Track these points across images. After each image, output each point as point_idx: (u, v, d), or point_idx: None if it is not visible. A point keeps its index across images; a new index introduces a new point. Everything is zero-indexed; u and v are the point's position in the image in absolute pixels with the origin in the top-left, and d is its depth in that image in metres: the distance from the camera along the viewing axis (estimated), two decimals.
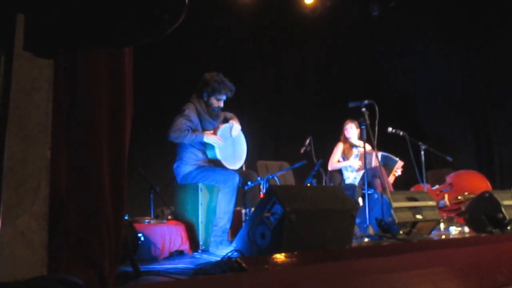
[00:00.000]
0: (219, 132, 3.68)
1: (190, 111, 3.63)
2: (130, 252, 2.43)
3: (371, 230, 3.75)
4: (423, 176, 5.13)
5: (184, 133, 3.53)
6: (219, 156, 3.64)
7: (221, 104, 3.78)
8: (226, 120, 3.88)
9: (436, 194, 5.25)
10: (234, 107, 4.09)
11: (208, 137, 3.61)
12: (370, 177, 4.84)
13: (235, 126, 3.83)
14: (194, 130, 3.60)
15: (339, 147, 5.32)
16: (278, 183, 4.48)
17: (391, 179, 5.09)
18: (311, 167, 4.53)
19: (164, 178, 4.36)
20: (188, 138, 3.55)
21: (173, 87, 5.30)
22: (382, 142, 4.34)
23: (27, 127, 1.55)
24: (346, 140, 5.27)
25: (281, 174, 4.71)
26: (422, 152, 5.21)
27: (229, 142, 3.79)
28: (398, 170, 5.12)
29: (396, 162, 5.11)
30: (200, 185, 3.49)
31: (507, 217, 3.89)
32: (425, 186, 5.17)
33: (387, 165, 5.15)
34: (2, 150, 1.11)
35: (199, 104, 3.72)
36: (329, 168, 5.31)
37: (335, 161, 5.28)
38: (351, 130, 5.25)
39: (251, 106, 6.48)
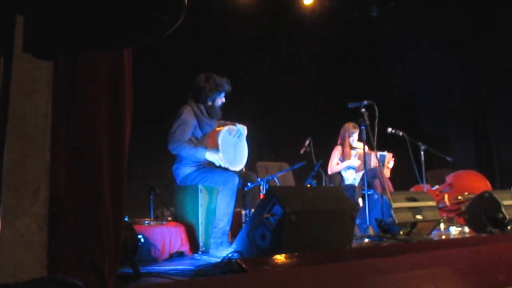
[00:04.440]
0: (220, 139, 3.59)
1: (188, 115, 3.59)
2: (130, 254, 2.42)
3: (371, 231, 3.75)
4: (422, 176, 5.13)
5: (183, 145, 3.50)
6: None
7: (223, 99, 3.79)
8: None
9: (436, 194, 5.24)
10: (234, 108, 4.08)
11: (210, 157, 3.54)
12: (370, 177, 4.84)
13: (239, 127, 3.80)
14: (196, 143, 3.57)
15: (338, 150, 5.31)
16: (278, 184, 4.47)
17: (386, 173, 5.06)
18: (310, 168, 4.52)
19: (163, 179, 4.35)
20: (186, 151, 3.52)
21: (172, 87, 5.28)
22: (381, 143, 4.34)
23: (27, 129, 1.55)
24: (345, 143, 5.26)
25: (281, 175, 4.70)
26: (422, 152, 5.20)
27: (231, 144, 3.76)
28: (390, 162, 5.10)
29: (384, 156, 5.08)
30: (200, 186, 3.48)
31: (507, 217, 3.89)
32: (425, 186, 5.17)
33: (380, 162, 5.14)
34: (2, 152, 1.11)
35: (196, 106, 3.69)
36: (329, 172, 5.30)
37: (335, 164, 5.28)
38: (356, 137, 5.23)
39: (251, 107, 6.47)
